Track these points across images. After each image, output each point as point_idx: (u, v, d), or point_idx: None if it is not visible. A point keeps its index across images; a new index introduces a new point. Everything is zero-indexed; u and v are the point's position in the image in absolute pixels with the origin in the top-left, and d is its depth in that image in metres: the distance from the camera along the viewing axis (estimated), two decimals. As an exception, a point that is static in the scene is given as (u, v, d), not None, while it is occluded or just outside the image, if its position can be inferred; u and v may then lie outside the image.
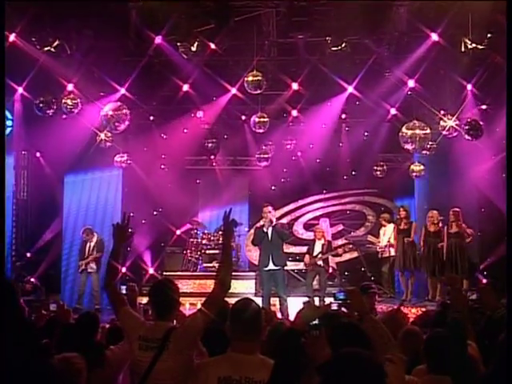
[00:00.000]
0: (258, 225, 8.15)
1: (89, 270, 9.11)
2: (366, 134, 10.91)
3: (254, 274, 9.99)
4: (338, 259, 10.52)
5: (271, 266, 7.38)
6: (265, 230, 7.51)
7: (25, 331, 2.22)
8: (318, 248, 9.23)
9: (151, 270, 10.82)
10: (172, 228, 11.51)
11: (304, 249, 10.01)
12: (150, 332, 2.58)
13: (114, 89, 8.74)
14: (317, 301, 8.80)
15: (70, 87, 8.30)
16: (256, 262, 11.44)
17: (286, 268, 8.00)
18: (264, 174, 11.36)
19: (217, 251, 10.40)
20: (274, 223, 7.52)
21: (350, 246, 9.83)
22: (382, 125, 10.44)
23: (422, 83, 8.45)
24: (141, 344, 2.56)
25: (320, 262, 9.04)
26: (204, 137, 11.13)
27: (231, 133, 11.26)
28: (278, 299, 7.62)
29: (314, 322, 2.16)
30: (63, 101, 8.14)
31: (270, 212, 7.59)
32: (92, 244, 9.20)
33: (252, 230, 11.94)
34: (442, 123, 8.77)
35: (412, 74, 8.37)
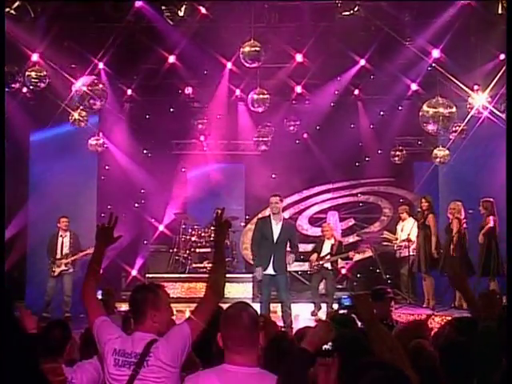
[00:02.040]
0: (260, 215, 7.96)
1: (63, 269, 9.02)
2: (381, 113, 10.90)
3: (250, 276, 9.98)
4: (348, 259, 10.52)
5: (271, 271, 7.14)
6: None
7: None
8: (326, 249, 9.21)
9: (134, 272, 10.81)
10: (156, 223, 11.57)
11: (309, 247, 10.03)
12: (127, 345, 2.57)
13: (88, 60, 8.68)
14: (324, 307, 8.82)
15: (35, 58, 8.18)
16: (252, 262, 11.53)
17: (288, 270, 7.86)
18: (263, 160, 11.39)
19: (208, 249, 10.42)
20: (281, 220, 7.22)
21: (365, 247, 9.82)
22: (400, 103, 10.45)
23: (449, 53, 8.36)
24: (116, 359, 2.55)
25: (328, 265, 9.03)
26: (193, 117, 11.07)
27: (225, 112, 11.23)
28: (279, 305, 7.53)
29: (327, 346, 2.16)
30: (27, 73, 8.02)
31: (277, 203, 7.31)
32: (66, 240, 9.13)
33: (249, 226, 12.00)
34: (470, 100, 8.70)
35: (437, 43, 8.27)
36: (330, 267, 9.07)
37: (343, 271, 9.71)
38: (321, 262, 9.05)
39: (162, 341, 2.56)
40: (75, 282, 8.73)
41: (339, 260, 9.35)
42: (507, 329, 2.56)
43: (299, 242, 9.58)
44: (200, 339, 2.66)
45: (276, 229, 7.23)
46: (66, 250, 9.08)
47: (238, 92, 10.48)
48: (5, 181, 4.61)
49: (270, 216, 7.43)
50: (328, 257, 9.08)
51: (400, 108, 10.64)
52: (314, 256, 9.13)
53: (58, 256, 9.02)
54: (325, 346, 2.17)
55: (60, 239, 9.08)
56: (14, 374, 1.64)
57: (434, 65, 8.76)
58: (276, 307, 7.79)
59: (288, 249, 7.36)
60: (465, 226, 8.33)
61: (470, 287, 3.67)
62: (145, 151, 11.73)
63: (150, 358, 2.49)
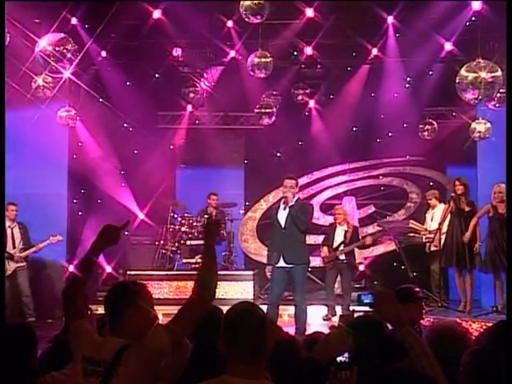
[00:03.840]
0: (263, 201, 7.94)
1: (18, 266, 8.97)
2: (408, 79, 10.79)
3: (251, 272, 9.99)
4: (367, 252, 10.49)
5: (282, 263, 7.17)
6: (274, 215, 7.25)
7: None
8: (339, 237, 9.18)
9: (108, 269, 10.76)
10: (138, 210, 11.54)
11: (320, 239, 10.02)
12: (97, 351, 2.62)
13: (55, 14, 8.54)
14: (339, 310, 8.81)
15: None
16: (254, 257, 11.63)
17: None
18: (266, 135, 11.33)
19: (201, 242, 10.34)
20: (293, 203, 7.20)
21: (385, 234, 9.76)
22: (431, 66, 10.35)
23: (493, 5, 8.26)
24: (85, 367, 2.61)
25: (342, 257, 8.99)
26: (183, 84, 10.98)
27: (221, 78, 11.17)
28: (287, 308, 7.44)
29: (344, 358, 2.19)
30: (-22, 29, 7.92)
31: (292, 188, 7.26)
32: (16, 231, 9.09)
33: (250, 214, 11.96)
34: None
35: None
36: (345, 259, 9.01)
37: (361, 268, 9.67)
38: (337, 255, 8.99)
39: (134, 347, 2.58)
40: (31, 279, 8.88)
41: (356, 253, 9.28)
42: (507, 329, 2.64)
43: (309, 232, 9.58)
44: (200, 346, 2.73)
45: (283, 213, 7.24)
46: (17, 243, 9.08)
47: (236, 56, 10.35)
48: (4, 181, 4.95)
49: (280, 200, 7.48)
50: (342, 247, 9.03)
51: (431, 73, 10.54)
52: (326, 249, 9.08)
53: (11, 251, 9.00)
54: (340, 358, 2.19)
55: (9, 230, 9.05)
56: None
57: (473, 19, 8.69)
58: (282, 310, 7.75)
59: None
60: None
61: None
62: (125, 125, 11.71)
63: (120, 367, 2.52)
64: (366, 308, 2.67)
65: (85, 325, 2.83)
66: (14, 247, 9.03)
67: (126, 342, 2.62)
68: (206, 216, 10.40)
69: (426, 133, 10.95)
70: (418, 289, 4.56)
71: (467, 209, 8.70)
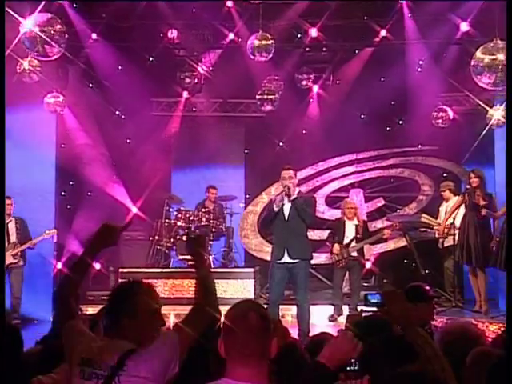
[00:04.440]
0: (273, 197, 7.99)
1: (11, 262, 8.99)
2: (421, 62, 10.73)
3: (252, 270, 10.02)
4: (377, 248, 10.47)
5: (286, 259, 7.19)
6: (275, 208, 7.24)
7: None
8: (350, 232, 9.15)
9: (97, 266, 10.75)
10: (131, 203, 11.55)
11: (325, 234, 10.05)
12: (97, 354, 2.64)
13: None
14: (346, 310, 8.82)
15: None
16: (255, 253, 11.64)
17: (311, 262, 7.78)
18: (268, 123, 11.32)
19: (192, 235, 10.37)
20: (295, 196, 7.23)
21: (396, 228, 9.74)
22: (446, 48, 10.31)
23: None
24: (83, 370, 2.62)
25: (355, 253, 8.99)
26: (179, 69, 10.96)
27: (219, 62, 11.15)
28: (289, 308, 7.46)
29: (354, 365, 2.20)
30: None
31: (291, 178, 7.33)
32: (11, 226, 9.10)
33: (250, 208, 11.95)
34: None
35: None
36: (355, 256, 9.01)
37: (368, 265, 9.67)
38: (350, 251, 8.97)
39: (141, 352, 2.62)
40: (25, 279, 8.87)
41: (365, 248, 9.27)
42: (507, 330, 2.71)
43: (313, 227, 9.59)
44: (195, 347, 2.75)
45: (286, 205, 7.26)
46: (13, 239, 9.09)
47: (235, 38, 10.33)
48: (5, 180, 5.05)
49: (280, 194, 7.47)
50: (354, 243, 9.01)
51: (445, 55, 10.48)
52: (337, 247, 9.05)
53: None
54: (349, 364, 2.20)
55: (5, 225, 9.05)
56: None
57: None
58: (285, 310, 7.75)
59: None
60: None
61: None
62: (117, 112, 11.70)
63: (124, 373, 2.55)
64: (375, 308, 2.72)
65: (80, 325, 2.86)
66: (9, 243, 9.03)
67: (131, 346, 2.64)
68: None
69: (439, 120, 10.83)
70: (428, 287, 4.63)
71: (483, 203, 8.68)
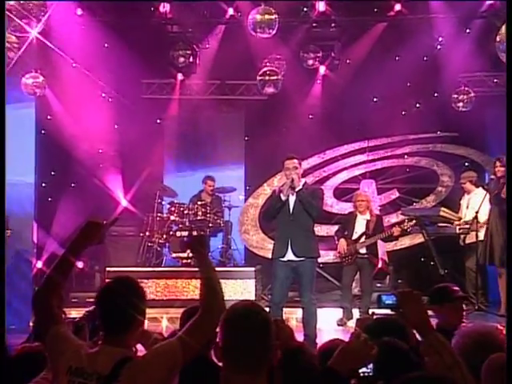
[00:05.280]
0: (276, 187, 8.01)
1: None
2: (440, 38, 10.70)
3: (252, 269, 10.07)
4: (391, 246, 10.47)
5: (290, 256, 7.22)
6: (283, 197, 7.27)
7: None
8: (360, 227, 9.15)
9: (80, 264, 10.74)
10: (119, 195, 11.54)
11: (334, 229, 10.05)
12: (88, 362, 2.66)
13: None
14: (356, 313, 8.82)
15: None
16: (256, 251, 11.65)
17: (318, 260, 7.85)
18: (270, 107, 11.32)
19: (194, 233, 10.37)
20: (300, 188, 7.25)
21: (413, 223, 9.71)
22: (468, 24, 10.23)
23: None
24: (71, 381, 2.65)
25: (363, 250, 8.99)
26: (172, 47, 10.97)
27: (217, 39, 11.11)
28: (294, 311, 7.49)
29: (367, 370, 2.28)
30: None
31: (296, 168, 7.33)
32: None
33: (251, 201, 11.94)
34: None
35: None
36: (366, 254, 9.01)
37: (380, 264, 9.67)
38: (357, 248, 8.98)
39: (138, 361, 2.65)
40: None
41: (378, 245, 9.27)
42: (507, 330, 2.77)
43: (321, 222, 9.59)
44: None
45: (291, 198, 7.26)
46: None
47: (233, 13, 10.32)
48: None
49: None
50: (363, 239, 9.01)
51: (468, 31, 10.43)
52: (343, 242, 9.06)
53: None
54: (363, 370, 2.27)
55: None
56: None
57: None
58: (289, 314, 7.75)
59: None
60: None
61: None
62: (103, 95, 11.64)
63: (120, 383, 2.56)
64: (388, 311, 2.72)
65: (65, 331, 2.88)
66: None
67: (126, 354, 2.67)
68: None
69: (460, 103, 10.88)
70: (456, 287, 4.58)
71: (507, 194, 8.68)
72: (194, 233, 9.76)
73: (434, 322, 4.73)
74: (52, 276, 2.99)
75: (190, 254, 10.08)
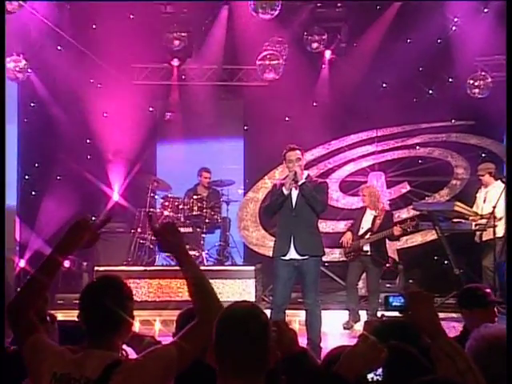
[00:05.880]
0: (277, 181, 7.99)
1: None
2: (455, 19, 10.70)
3: (252, 268, 10.09)
4: (401, 243, 10.46)
5: (293, 255, 7.21)
6: (285, 191, 7.26)
7: None
8: (366, 223, 9.16)
9: (66, 263, 10.76)
10: (109, 189, 11.58)
11: (340, 225, 9.97)
12: (74, 367, 2.67)
13: None
14: (363, 315, 8.82)
15: None
16: (256, 248, 11.64)
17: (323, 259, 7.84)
18: (271, 94, 11.30)
19: (189, 229, 10.53)
20: (303, 180, 7.23)
21: (414, 223, 9.70)
22: (486, 2, 10.24)
23: None
24: None
25: (366, 247, 9.00)
26: (165, 29, 10.99)
27: (214, 21, 11.12)
28: (297, 313, 7.48)
29: (376, 376, 2.27)
30: None
31: (298, 160, 7.32)
32: None
33: (250, 195, 11.93)
34: None
35: None
36: (370, 251, 9.01)
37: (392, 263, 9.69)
38: (360, 244, 8.98)
39: (130, 365, 2.66)
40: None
41: (388, 243, 9.26)
42: (507, 330, 2.77)
43: (325, 218, 9.59)
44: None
45: (293, 192, 7.26)
46: None
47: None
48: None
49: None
50: (368, 235, 9.01)
51: (486, 10, 10.44)
52: (349, 235, 9.06)
53: None
54: (371, 376, 2.30)
55: None
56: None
57: None
58: (292, 316, 7.73)
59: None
60: None
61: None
62: (92, 80, 11.66)
63: None
64: (397, 313, 2.71)
65: (43, 339, 2.87)
66: None
67: (115, 357, 2.68)
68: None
69: (476, 90, 10.91)
70: (488, 290, 4.56)
71: None
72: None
73: (460, 325, 4.73)
74: (27, 288, 2.96)
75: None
